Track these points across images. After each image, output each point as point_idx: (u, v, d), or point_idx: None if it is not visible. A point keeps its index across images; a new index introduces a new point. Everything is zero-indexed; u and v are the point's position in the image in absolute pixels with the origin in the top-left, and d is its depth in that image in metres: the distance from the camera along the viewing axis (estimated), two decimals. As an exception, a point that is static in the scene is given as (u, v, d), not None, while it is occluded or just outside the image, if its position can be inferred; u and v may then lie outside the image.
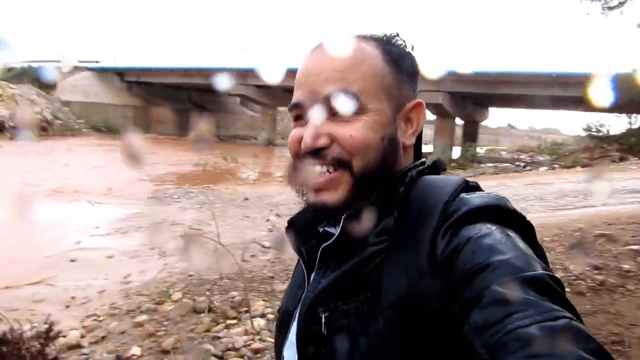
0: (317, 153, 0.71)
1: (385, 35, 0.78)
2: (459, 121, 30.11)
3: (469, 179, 0.72)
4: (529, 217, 0.65)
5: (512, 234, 0.60)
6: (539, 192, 8.71)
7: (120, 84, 34.18)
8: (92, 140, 23.74)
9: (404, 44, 0.78)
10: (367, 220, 0.69)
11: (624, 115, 17.35)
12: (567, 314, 0.49)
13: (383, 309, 0.63)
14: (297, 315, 0.76)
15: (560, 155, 18.60)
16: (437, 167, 0.79)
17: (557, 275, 0.56)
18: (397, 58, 0.75)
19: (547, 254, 0.65)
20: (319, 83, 0.71)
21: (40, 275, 4.87)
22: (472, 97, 26.79)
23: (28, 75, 28.80)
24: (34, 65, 31.04)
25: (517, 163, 18.53)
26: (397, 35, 0.78)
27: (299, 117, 0.75)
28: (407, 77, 0.76)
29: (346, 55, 0.72)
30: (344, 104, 0.70)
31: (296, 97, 0.74)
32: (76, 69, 33.10)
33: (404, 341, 0.61)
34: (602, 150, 16.23)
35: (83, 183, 10.74)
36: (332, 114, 0.71)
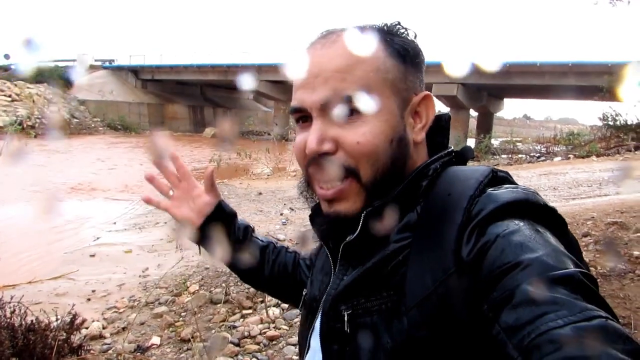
0: (322, 158, 0.68)
1: (386, 25, 0.73)
2: (473, 113, 29.90)
3: (498, 169, 0.68)
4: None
5: (541, 229, 0.57)
6: (553, 182, 8.65)
7: (135, 82, 34.53)
8: (108, 138, 24.05)
9: (406, 33, 0.73)
10: (388, 217, 0.67)
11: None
12: (602, 313, 0.47)
13: (408, 307, 0.61)
14: (322, 309, 0.75)
15: (576, 146, 18.35)
16: (463, 156, 0.75)
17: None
18: (400, 49, 0.70)
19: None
20: (319, 85, 0.67)
21: (61, 270, 5.01)
22: (487, 88, 26.56)
23: (45, 75, 29.25)
24: (51, 64, 31.51)
25: (531, 154, 18.36)
26: (399, 24, 0.73)
27: (302, 120, 0.72)
28: (412, 68, 0.71)
29: (345, 52, 0.67)
30: (347, 107, 0.66)
31: (297, 99, 0.70)
32: (92, 67, 33.56)
33: (429, 341, 0.59)
34: (618, 140, 16.00)
35: (100, 180, 10.94)
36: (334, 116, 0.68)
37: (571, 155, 15.06)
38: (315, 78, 0.67)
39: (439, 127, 0.77)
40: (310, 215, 0.80)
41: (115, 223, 7.08)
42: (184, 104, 35.20)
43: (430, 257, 0.62)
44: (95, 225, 6.98)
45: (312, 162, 0.69)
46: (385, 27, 0.73)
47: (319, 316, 0.75)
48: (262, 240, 1.08)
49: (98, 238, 6.29)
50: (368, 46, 0.68)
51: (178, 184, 1.03)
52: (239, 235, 1.03)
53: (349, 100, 0.65)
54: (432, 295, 0.60)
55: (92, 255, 5.57)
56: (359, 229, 0.69)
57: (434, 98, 0.75)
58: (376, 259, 0.67)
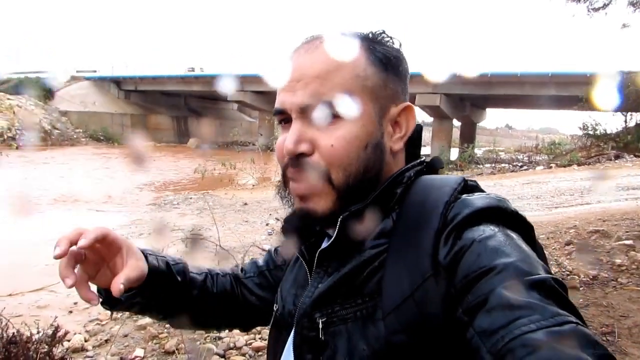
0: (298, 159, 0.69)
1: (371, 33, 0.74)
2: (456, 123, 30.25)
3: (468, 178, 0.70)
4: (525, 215, 0.65)
5: (514, 235, 0.59)
6: (536, 191, 8.77)
7: (118, 93, 34.31)
8: (90, 149, 23.79)
9: (390, 42, 0.74)
10: (364, 223, 0.68)
11: (619, 114, 17.48)
12: (573, 319, 0.49)
13: (385, 313, 0.61)
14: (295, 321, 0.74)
15: (557, 155, 18.66)
16: (434, 166, 0.76)
17: (553, 270, 0.56)
18: (382, 57, 0.71)
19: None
20: (299, 88, 0.68)
21: (43, 282, 4.91)
22: (469, 98, 26.92)
23: (25, 86, 28.92)
24: (31, 76, 31.19)
25: (514, 163, 18.60)
26: (383, 32, 0.74)
27: (284, 122, 0.73)
28: (395, 78, 0.72)
29: (326, 58, 0.69)
30: (325, 111, 0.67)
31: (279, 102, 0.72)
32: (74, 78, 33.28)
33: (407, 346, 0.59)
34: (598, 149, 16.31)
35: (83, 191, 10.79)
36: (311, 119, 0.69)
37: (553, 165, 15.30)
38: (297, 82, 0.69)
39: (412, 137, 0.77)
40: (282, 227, 0.78)
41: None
42: (167, 115, 35.04)
43: (408, 262, 0.62)
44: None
45: (289, 162, 0.70)
46: (369, 35, 0.74)
47: (294, 327, 0.74)
48: (197, 275, 0.95)
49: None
50: (349, 53, 0.69)
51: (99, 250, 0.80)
52: (178, 284, 0.89)
53: (326, 104, 0.67)
54: (410, 299, 0.60)
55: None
56: (335, 234, 0.69)
57: (415, 108, 0.75)
58: (352, 265, 0.67)
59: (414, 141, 0.78)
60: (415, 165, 0.74)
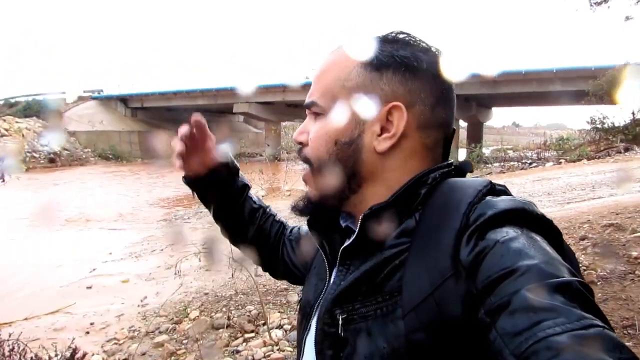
0: (300, 148, 0.78)
1: (383, 35, 0.74)
2: (462, 123, 30.17)
3: (496, 182, 0.69)
4: (552, 219, 0.63)
5: (538, 238, 0.58)
6: (547, 188, 8.71)
7: (125, 111, 34.62)
8: (99, 169, 23.98)
9: (410, 42, 0.74)
10: (385, 222, 0.68)
11: (627, 106, 17.33)
12: (599, 322, 0.48)
13: (405, 311, 0.62)
14: (316, 313, 0.75)
15: (567, 150, 18.53)
16: (463, 169, 0.76)
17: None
18: (374, 58, 0.71)
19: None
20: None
21: (58, 304, 4.93)
22: (475, 98, 26.81)
23: (33, 109, 29.34)
24: (39, 98, 31.59)
25: (523, 161, 18.49)
26: (401, 32, 0.74)
27: None
28: (393, 78, 0.71)
29: (323, 63, 0.77)
30: (312, 109, 0.76)
31: None
32: (80, 99, 33.65)
33: (427, 345, 0.59)
34: (607, 142, 16.17)
35: (94, 211, 10.87)
36: (314, 115, 0.77)
37: (562, 160, 15.19)
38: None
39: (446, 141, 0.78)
40: (308, 221, 0.82)
41: (111, 253, 7.01)
42: (174, 130, 34.54)
43: (428, 261, 0.62)
44: (91, 256, 6.90)
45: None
46: (381, 37, 0.74)
47: (314, 321, 0.75)
48: (255, 202, 1.12)
49: (94, 269, 6.20)
50: (338, 55, 0.75)
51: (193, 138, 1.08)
52: (236, 191, 1.09)
53: (312, 103, 0.75)
54: (430, 298, 0.60)
55: (89, 287, 5.49)
56: (356, 232, 0.71)
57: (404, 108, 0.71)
58: (372, 263, 0.68)
59: (446, 143, 0.77)
60: (442, 166, 0.73)
